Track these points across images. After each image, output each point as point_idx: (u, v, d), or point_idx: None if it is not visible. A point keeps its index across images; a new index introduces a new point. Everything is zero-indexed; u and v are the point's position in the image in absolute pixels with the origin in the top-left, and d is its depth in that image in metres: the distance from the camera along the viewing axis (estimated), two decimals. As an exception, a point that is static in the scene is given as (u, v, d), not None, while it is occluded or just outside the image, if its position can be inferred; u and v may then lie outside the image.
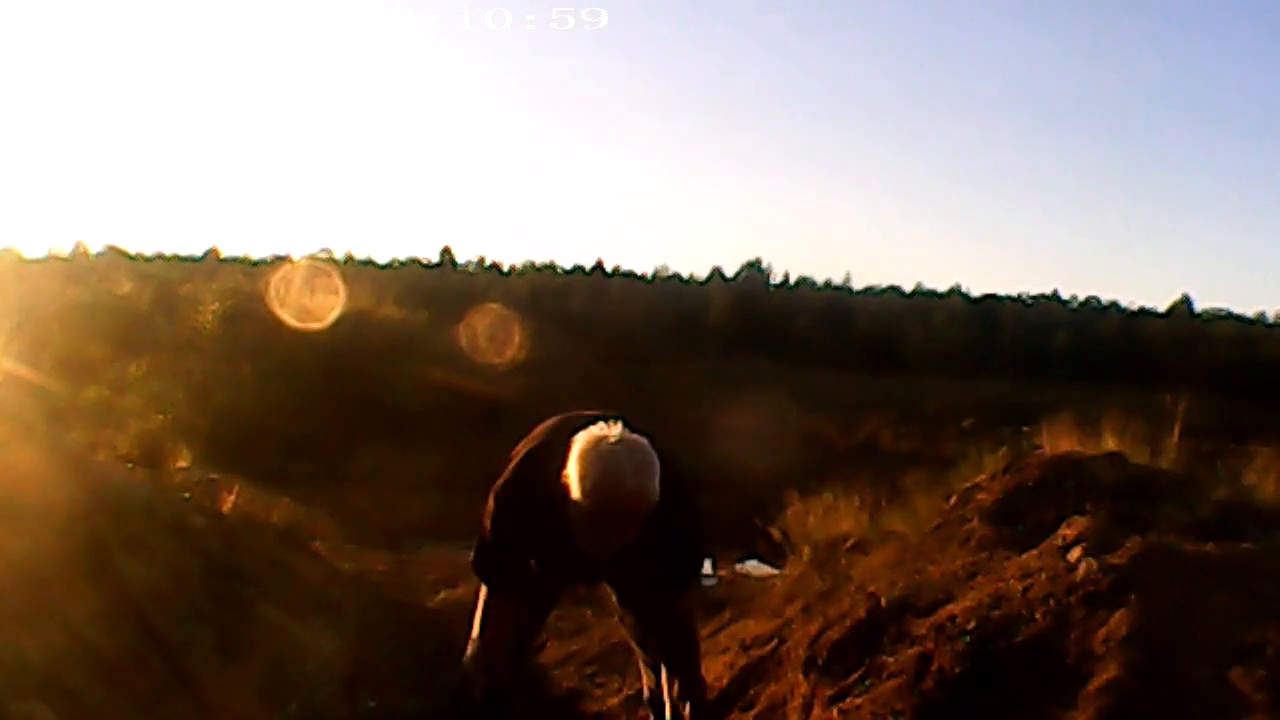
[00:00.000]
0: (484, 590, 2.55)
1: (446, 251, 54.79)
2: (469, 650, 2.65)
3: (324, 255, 38.26)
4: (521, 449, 2.52)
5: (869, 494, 5.73)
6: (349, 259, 47.29)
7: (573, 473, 2.23)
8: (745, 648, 4.10)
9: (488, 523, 2.44)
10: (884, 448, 20.52)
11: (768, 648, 3.93)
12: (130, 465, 4.98)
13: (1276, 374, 35.85)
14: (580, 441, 2.25)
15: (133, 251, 40.42)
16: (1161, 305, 52.82)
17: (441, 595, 5.69)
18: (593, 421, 2.33)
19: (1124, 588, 2.67)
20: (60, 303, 12.24)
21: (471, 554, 2.51)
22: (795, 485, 6.37)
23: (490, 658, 2.53)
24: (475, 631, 2.60)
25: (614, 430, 2.26)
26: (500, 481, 2.46)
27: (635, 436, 2.27)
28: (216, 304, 11.97)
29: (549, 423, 2.54)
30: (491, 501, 2.44)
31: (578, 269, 54.89)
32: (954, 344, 42.20)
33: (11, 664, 2.26)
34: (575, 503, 2.23)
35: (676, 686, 2.64)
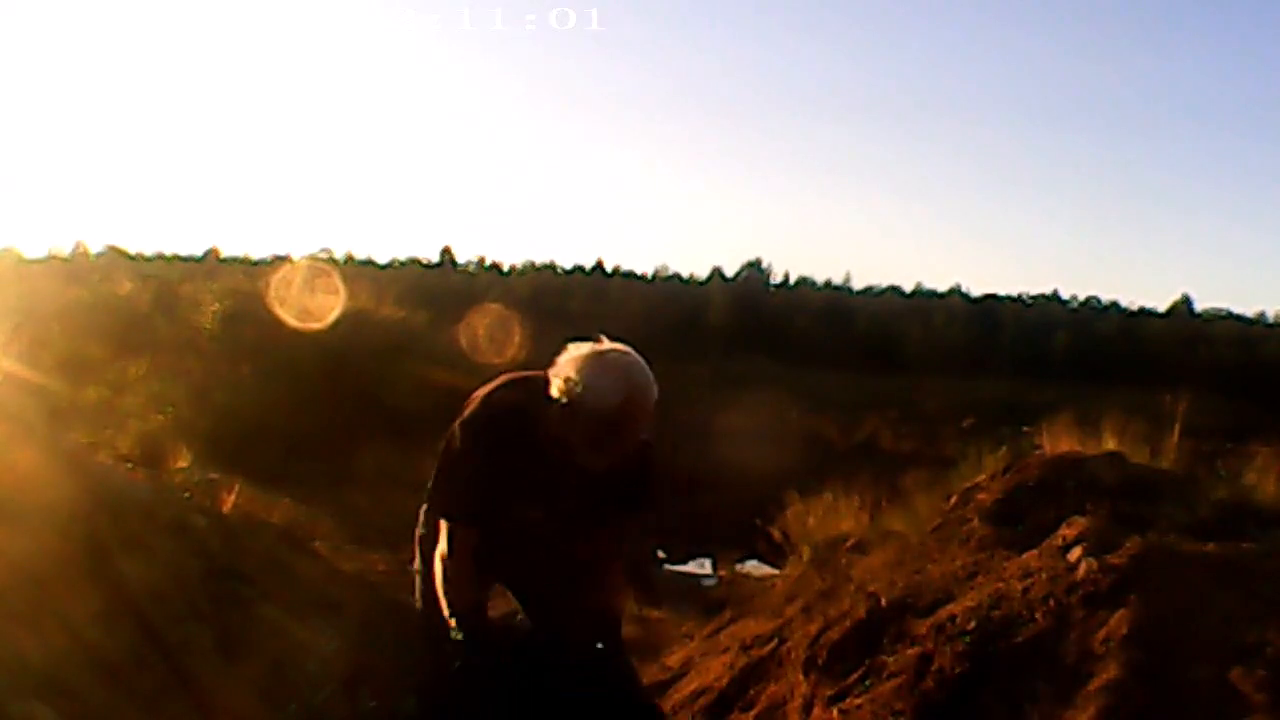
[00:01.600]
0: (441, 527, 2.45)
1: (446, 251, 54.90)
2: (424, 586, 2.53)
3: (324, 255, 38.32)
4: (482, 391, 2.49)
5: (869, 494, 5.73)
6: (349, 259, 47.43)
7: (581, 381, 2.26)
8: (745, 648, 4.10)
9: (457, 452, 2.39)
10: (884, 448, 20.52)
11: (768, 648, 3.94)
12: (130, 465, 4.97)
13: (1276, 374, 35.85)
14: (576, 353, 2.31)
15: (133, 251, 40.52)
16: (1161, 305, 52.95)
17: (441, 595, 5.68)
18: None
19: (1124, 588, 2.67)
20: (60, 303, 12.23)
21: (429, 489, 2.47)
22: (795, 485, 6.38)
23: (457, 585, 2.42)
24: (435, 569, 2.47)
25: (607, 342, 2.33)
26: (468, 414, 2.42)
27: (624, 346, 2.34)
28: (216, 304, 11.96)
29: (504, 376, 2.53)
30: (460, 431, 2.40)
31: (578, 269, 54.99)
32: (954, 344, 42.23)
33: (11, 664, 2.26)
34: (585, 413, 2.25)
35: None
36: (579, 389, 2.26)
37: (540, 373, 2.41)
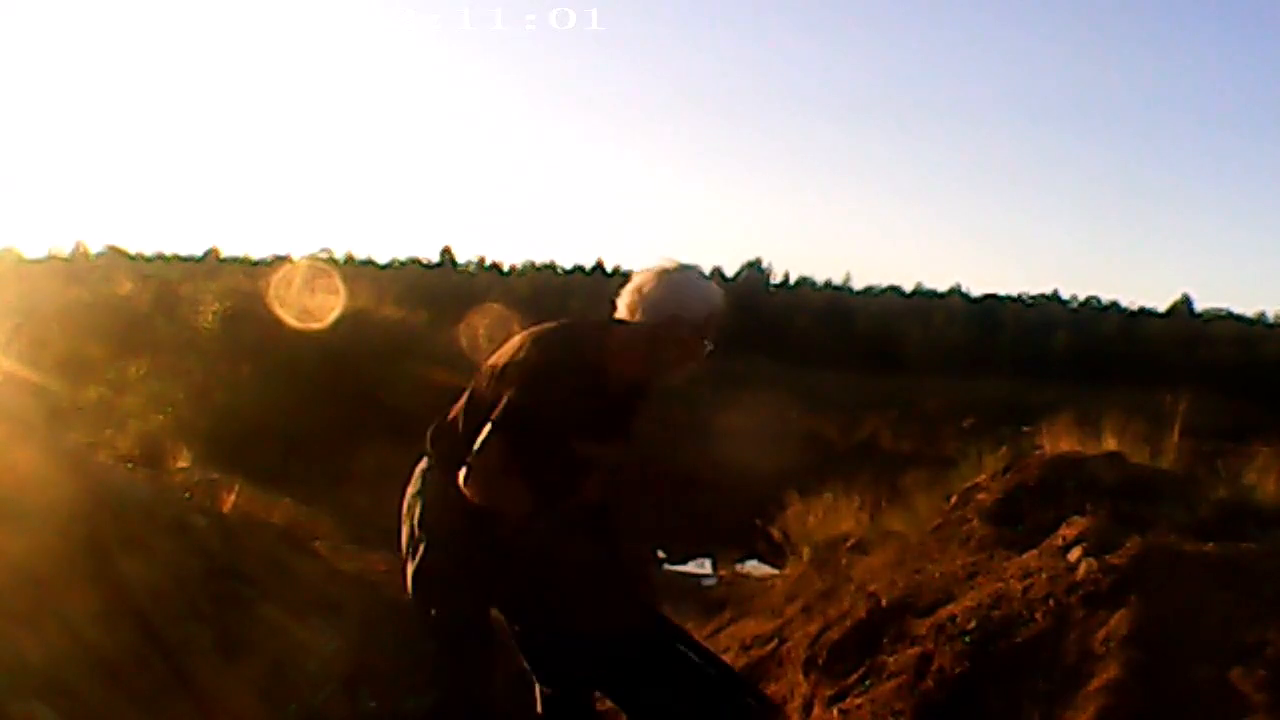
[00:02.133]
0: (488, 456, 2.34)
1: (446, 251, 54.96)
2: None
3: (324, 255, 38.33)
4: (545, 329, 2.50)
5: (869, 494, 5.73)
6: (349, 259, 47.50)
7: (677, 297, 2.39)
8: (745, 648, 4.10)
9: (547, 380, 2.36)
10: (884, 448, 20.50)
11: (768, 648, 3.94)
12: (130, 465, 4.97)
13: (1276, 374, 35.84)
14: (649, 276, 2.43)
15: (133, 251, 40.60)
16: (1161, 305, 53.00)
17: (442, 595, 5.67)
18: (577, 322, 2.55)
19: (1124, 588, 2.67)
20: (60, 303, 12.23)
21: (505, 410, 2.36)
22: (795, 485, 6.38)
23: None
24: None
25: (665, 261, 2.47)
26: (547, 344, 2.43)
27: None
28: (216, 304, 11.94)
29: (547, 325, 2.55)
30: (548, 361, 2.39)
31: (578, 269, 55.05)
32: (954, 344, 42.22)
33: (11, 664, 2.26)
34: (684, 326, 2.39)
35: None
36: (678, 304, 2.38)
37: (569, 320, 2.55)
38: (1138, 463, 4.38)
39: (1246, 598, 2.58)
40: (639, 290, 2.43)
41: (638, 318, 2.42)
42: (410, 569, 2.58)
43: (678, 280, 2.42)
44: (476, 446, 2.36)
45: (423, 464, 2.62)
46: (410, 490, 2.62)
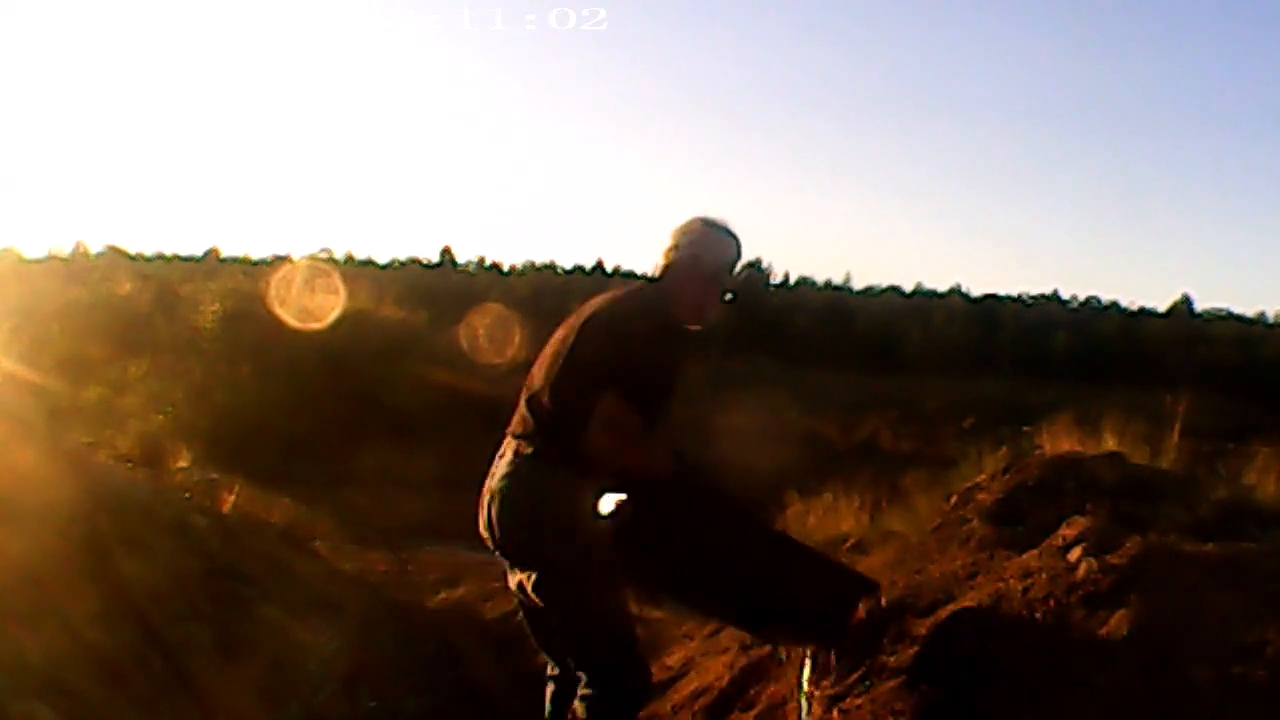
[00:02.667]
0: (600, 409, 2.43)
1: (446, 251, 55.03)
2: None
3: (324, 255, 38.38)
4: (616, 297, 2.64)
5: (869, 494, 5.73)
6: (349, 259, 47.56)
7: (717, 243, 2.68)
8: (745, 648, 4.09)
9: (641, 343, 2.51)
10: (884, 448, 20.51)
11: (768, 648, 3.93)
12: (130, 465, 4.98)
13: (1276, 374, 35.83)
14: (686, 231, 2.69)
15: (133, 251, 40.65)
16: (1161, 305, 53.08)
17: (441, 595, 5.70)
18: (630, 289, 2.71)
19: (1124, 588, 2.66)
20: (60, 303, 12.25)
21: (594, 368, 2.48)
22: (795, 485, 6.38)
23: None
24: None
25: (689, 217, 2.73)
26: (629, 312, 2.58)
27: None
28: (216, 304, 11.95)
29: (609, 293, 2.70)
30: (635, 326, 2.54)
31: (578, 269, 55.07)
32: (954, 344, 42.20)
33: (11, 664, 2.26)
34: (728, 268, 2.67)
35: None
36: (723, 253, 2.68)
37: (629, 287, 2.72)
38: (1138, 463, 4.38)
39: (1246, 598, 2.58)
40: (689, 242, 2.66)
41: (684, 265, 2.64)
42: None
43: (721, 232, 2.70)
44: (597, 410, 2.42)
45: (510, 456, 2.57)
46: (496, 498, 2.55)
